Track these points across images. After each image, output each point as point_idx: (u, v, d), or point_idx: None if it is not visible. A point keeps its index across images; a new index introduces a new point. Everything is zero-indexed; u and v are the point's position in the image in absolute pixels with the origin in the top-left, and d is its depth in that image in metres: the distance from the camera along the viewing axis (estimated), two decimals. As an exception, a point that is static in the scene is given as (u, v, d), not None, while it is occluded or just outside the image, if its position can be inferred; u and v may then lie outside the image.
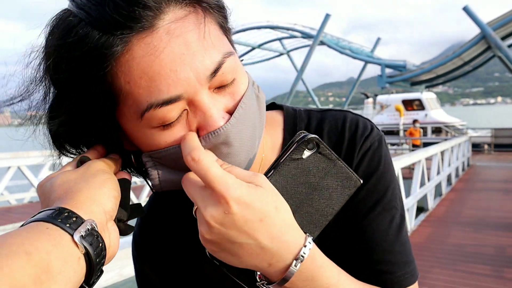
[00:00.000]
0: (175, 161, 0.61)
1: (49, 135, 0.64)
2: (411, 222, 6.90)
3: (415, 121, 17.75)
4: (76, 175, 0.58)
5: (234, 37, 0.70)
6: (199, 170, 0.54)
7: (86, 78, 0.56)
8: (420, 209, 7.98)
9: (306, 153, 0.60)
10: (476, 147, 19.81)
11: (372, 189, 0.71)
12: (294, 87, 35.49)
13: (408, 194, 7.03)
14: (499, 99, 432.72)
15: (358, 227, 0.71)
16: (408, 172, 9.74)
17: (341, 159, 0.62)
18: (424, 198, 8.03)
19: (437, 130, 23.60)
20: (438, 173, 9.23)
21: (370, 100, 31.98)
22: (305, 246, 0.56)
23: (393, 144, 18.62)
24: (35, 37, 0.61)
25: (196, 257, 0.78)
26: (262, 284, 0.59)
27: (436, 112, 24.91)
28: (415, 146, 16.88)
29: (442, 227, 7.08)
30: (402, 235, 0.72)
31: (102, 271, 0.54)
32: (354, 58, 22.75)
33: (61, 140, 0.65)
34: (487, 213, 7.89)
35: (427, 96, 25.36)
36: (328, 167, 0.62)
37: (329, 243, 0.71)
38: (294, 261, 0.55)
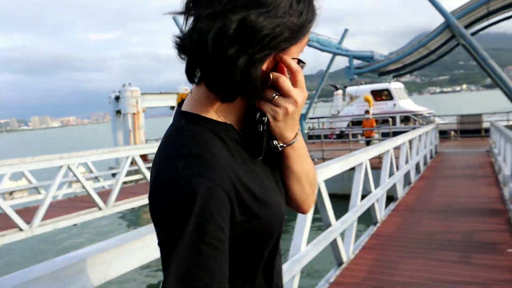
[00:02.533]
0: None
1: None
2: (380, 213, 6.89)
3: (366, 111, 17.94)
4: None
5: None
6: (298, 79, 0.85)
7: None
8: (390, 199, 7.99)
9: None
10: (443, 134, 20.30)
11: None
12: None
13: (377, 185, 7.02)
14: (464, 86, 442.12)
15: None
16: (378, 162, 9.77)
17: None
18: (393, 188, 8.04)
19: (405, 119, 24.01)
20: (407, 162, 9.30)
21: (340, 91, 32.18)
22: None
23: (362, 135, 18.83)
24: None
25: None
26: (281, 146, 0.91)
27: (404, 101, 25.38)
28: (368, 138, 16.90)
29: (411, 216, 7.13)
30: None
31: None
32: (322, 50, 22.69)
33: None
34: (455, 200, 8.02)
35: (395, 86, 25.76)
36: None
37: None
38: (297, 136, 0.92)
